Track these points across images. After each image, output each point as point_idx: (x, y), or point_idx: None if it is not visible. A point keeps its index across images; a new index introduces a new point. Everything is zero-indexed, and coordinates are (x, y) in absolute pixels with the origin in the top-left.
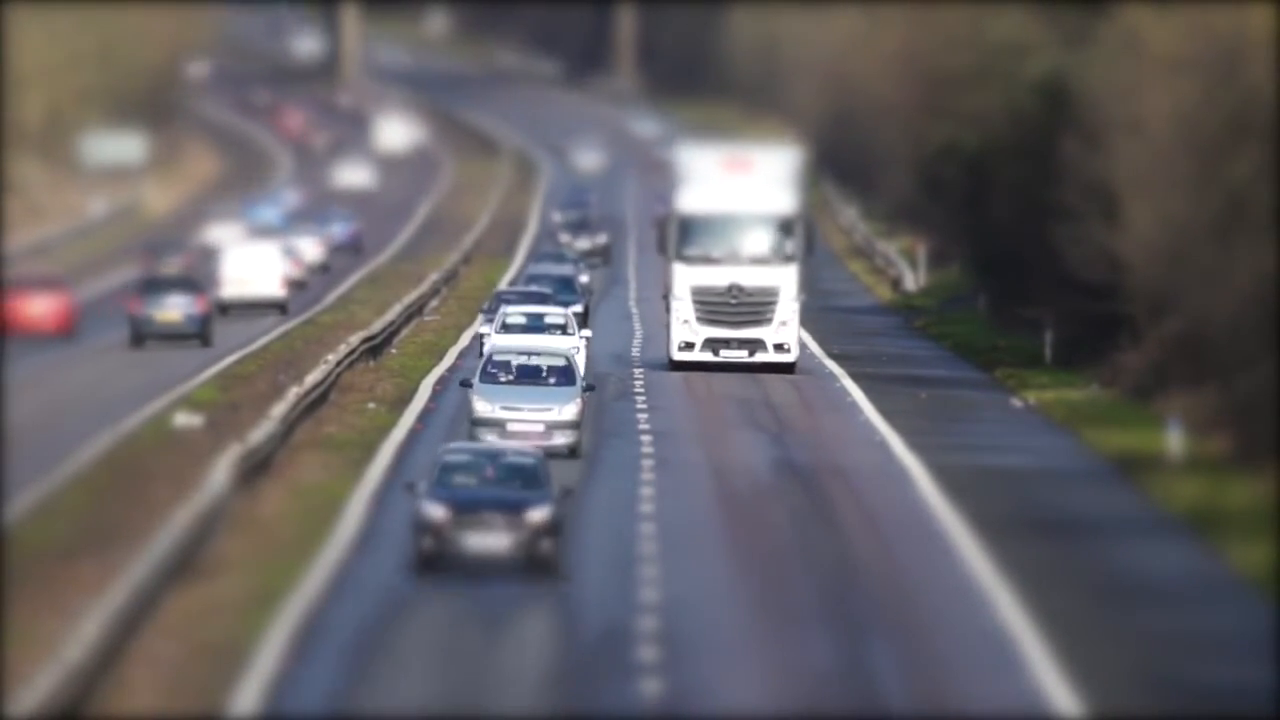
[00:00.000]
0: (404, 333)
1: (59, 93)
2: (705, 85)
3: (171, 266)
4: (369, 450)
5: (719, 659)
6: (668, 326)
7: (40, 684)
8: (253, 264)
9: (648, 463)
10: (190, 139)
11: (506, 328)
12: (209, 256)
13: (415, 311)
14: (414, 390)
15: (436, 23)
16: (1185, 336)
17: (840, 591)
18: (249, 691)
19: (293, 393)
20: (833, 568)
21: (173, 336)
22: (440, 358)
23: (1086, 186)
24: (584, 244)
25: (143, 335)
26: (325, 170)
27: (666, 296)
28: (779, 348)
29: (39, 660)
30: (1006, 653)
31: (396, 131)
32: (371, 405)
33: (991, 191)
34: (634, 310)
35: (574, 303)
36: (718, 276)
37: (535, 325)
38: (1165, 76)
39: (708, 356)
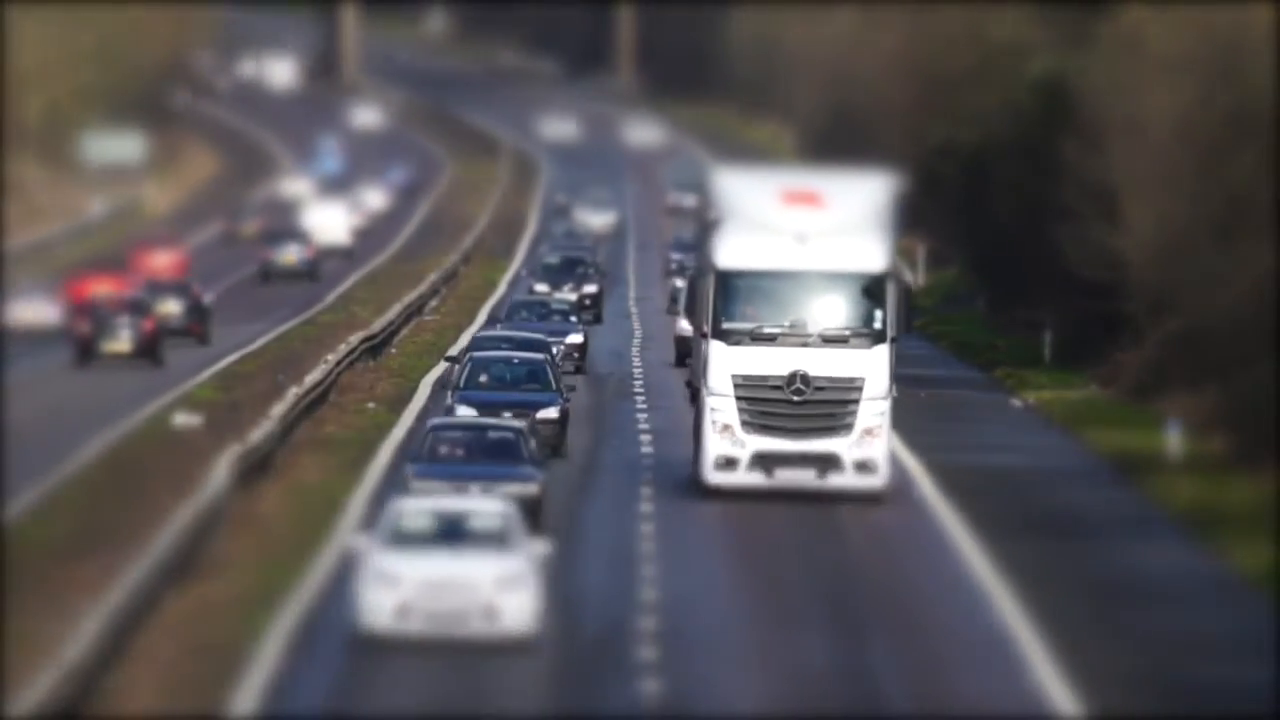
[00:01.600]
0: (403, 333)
1: (59, 93)
2: (705, 85)
3: (250, 227)
4: (368, 450)
5: (718, 659)
6: (697, 431)
7: (40, 684)
8: (325, 219)
9: (648, 462)
10: (190, 139)
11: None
12: (284, 211)
13: (415, 311)
14: (413, 390)
15: (436, 22)
16: (1185, 336)
17: (840, 591)
18: (248, 691)
19: (292, 392)
20: (832, 567)
21: (291, 275)
22: (440, 357)
23: (1086, 186)
24: (568, 294)
25: (270, 274)
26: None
27: (695, 386)
28: (861, 467)
29: (39, 660)
30: (1006, 653)
31: (369, 113)
32: (371, 405)
33: (991, 191)
34: (633, 310)
35: (549, 404)
36: (773, 362)
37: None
38: (1165, 76)
39: (757, 479)
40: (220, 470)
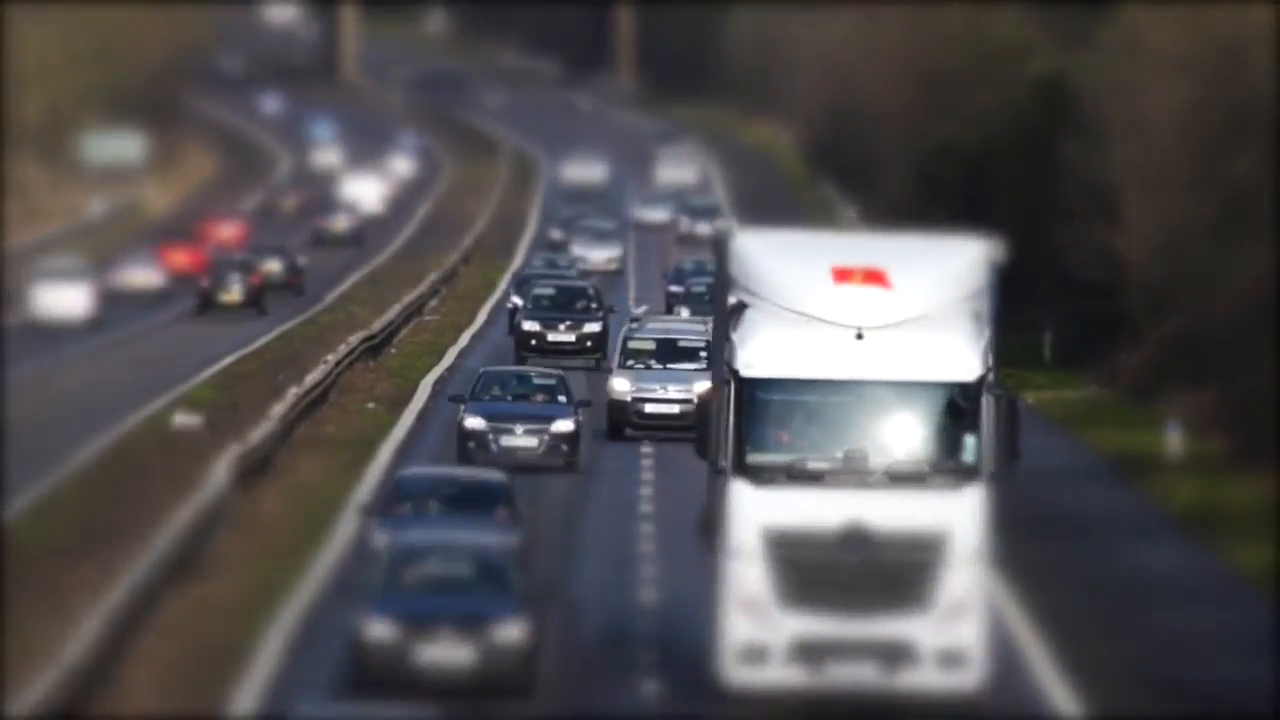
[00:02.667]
0: (403, 333)
1: (59, 93)
2: (705, 85)
3: (289, 201)
4: (368, 450)
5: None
6: (714, 607)
7: (39, 684)
8: (361, 189)
9: (647, 463)
10: (190, 139)
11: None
12: (319, 183)
13: (415, 311)
14: (413, 390)
15: (436, 22)
16: (1185, 336)
17: None
18: (248, 691)
19: (292, 392)
20: None
21: (340, 242)
22: (440, 357)
23: (1086, 186)
24: (561, 336)
25: (323, 240)
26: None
27: (706, 536)
28: (947, 659)
29: (38, 660)
30: (1006, 653)
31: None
32: (371, 405)
33: (991, 191)
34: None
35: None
36: (820, 509)
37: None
38: (1165, 76)
39: (798, 677)
40: (220, 470)
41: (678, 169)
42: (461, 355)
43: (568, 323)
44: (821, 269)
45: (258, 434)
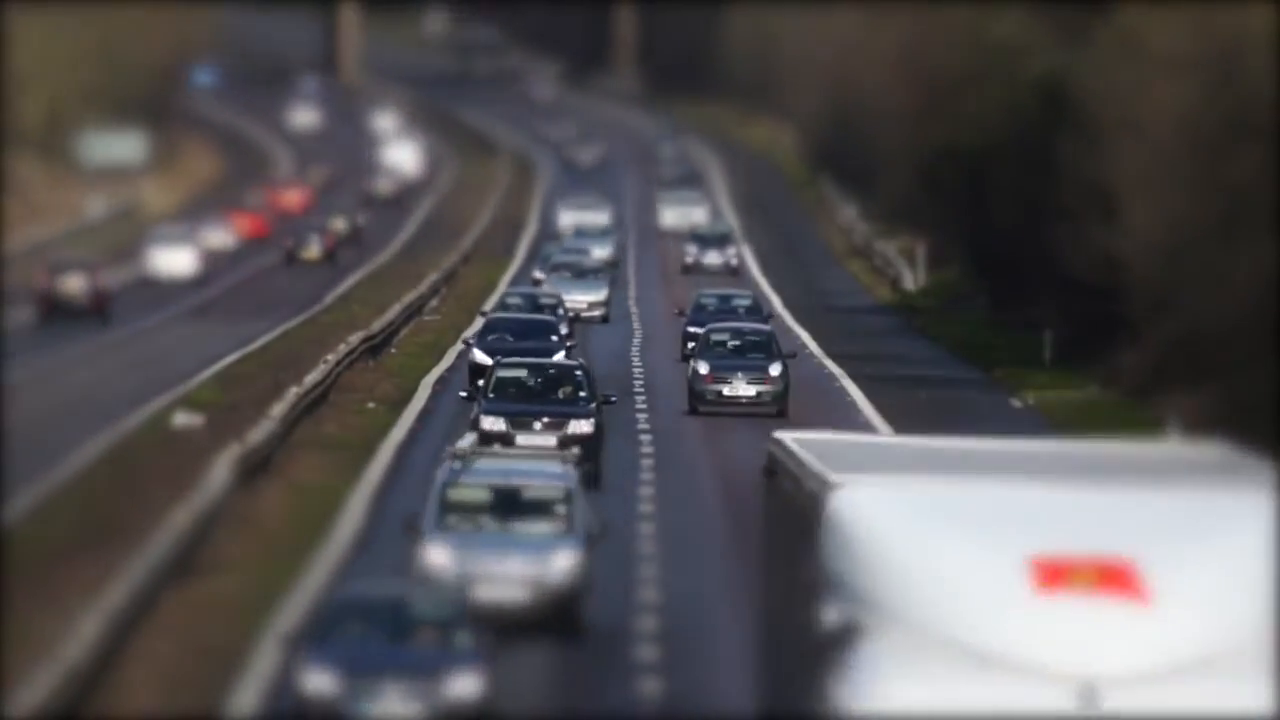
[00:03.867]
0: (403, 333)
1: (59, 93)
2: (705, 85)
3: (317, 176)
4: (368, 450)
5: (718, 659)
6: None
7: (39, 684)
8: (400, 156)
9: (647, 463)
10: (190, 139)
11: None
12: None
13: (415, 311)
14: (413, 390)
15: (436, 23)
16: (1185, 336)
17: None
18: (247, 691)
19: (292, 392)
20: None
21: (385, 204)
22: (440, 357)
23: (1086, 186)
24: (536, 439)
25: (370, 202)
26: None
27: None
28: None
29: (38, 660)
30: None
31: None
32: (371, 405)
33: (991, 192)
34: (634, 310)
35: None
36: None
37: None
38: (1165, 76)
39: None
40: (220, 470)
41: (684, 211)
42: (460, 355)
43: (545, 420)
44: (1011, 562)
45: (258, 434)
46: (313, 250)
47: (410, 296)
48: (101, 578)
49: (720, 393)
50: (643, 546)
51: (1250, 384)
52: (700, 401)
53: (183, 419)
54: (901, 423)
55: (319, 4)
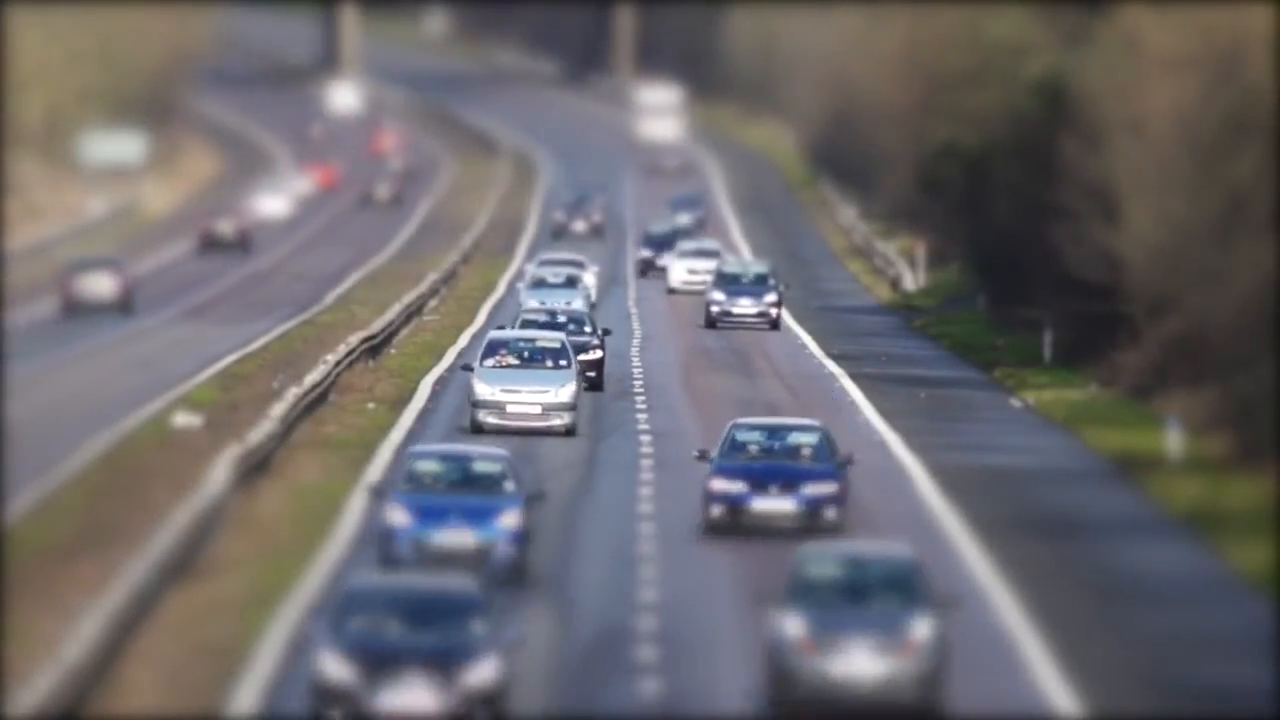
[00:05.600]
0: (403, 333)
1: (59, 93)
2: (705, 85)
3: (319, 130)
4: (368, 450)
5: (718, 659)
6: None
7: (39, 684)
8: (342, 100)
9: (647, 463)
10: (190, 138)
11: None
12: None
13: (414, 311)
14: (413, 390)
15: (436, 23)
16: (1185, 336)
17: None
18: (248, 691)
19: (292, 393)
20: None
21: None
22: (440, 357)
23: (1086, 186)
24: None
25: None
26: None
27: None
28: None
29: (38, 660)
30: (1006, 653)
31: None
32: (371, 405)
33: (991, 191)
34: (633, 310)
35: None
36: None
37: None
38: (1165, 76)
39: None
40: (220, 470)
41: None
42: (461, 355)
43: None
44: None
45: (257, 434)
46: (383, 192)
47: (410, 296)
48: (102, 578)
49: None
50: (643, 547)
51: (1250, 384)
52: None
53: (183, 419)
54: (901, 422)
55: (319, 4)
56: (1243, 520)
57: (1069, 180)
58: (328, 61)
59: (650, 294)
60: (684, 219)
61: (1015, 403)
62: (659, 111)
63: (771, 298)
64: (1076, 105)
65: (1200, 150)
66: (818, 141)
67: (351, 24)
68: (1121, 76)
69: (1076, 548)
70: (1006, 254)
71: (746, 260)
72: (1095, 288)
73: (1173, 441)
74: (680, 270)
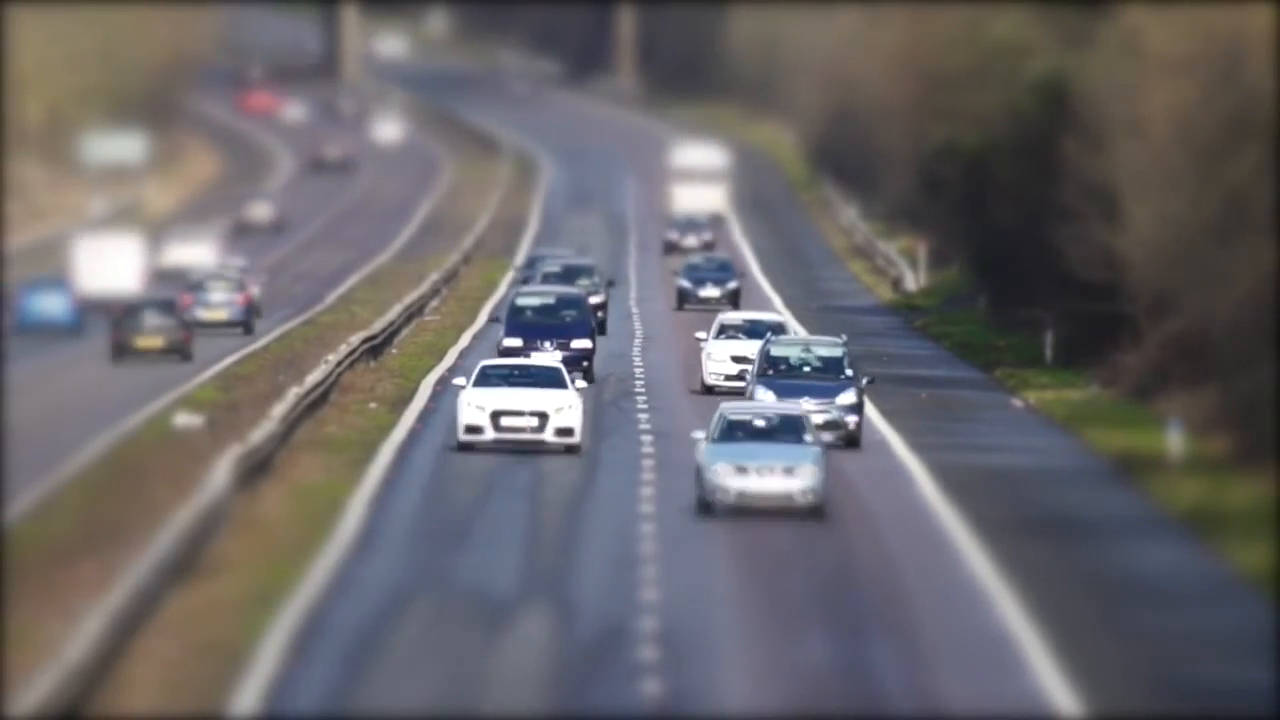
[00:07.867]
0: (404, 333)
1: (59, 93)
2: (705, 85)
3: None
4: (369, 450)
5: (718, 659)
6: None
7: (40, 684)
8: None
9: (648, 463)
10: (190, 138)
11: None
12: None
13: (415, 311)
14: (414, 390)
15: (436, 23)
16: (1185, 336)
17: (840, 591)
18: (249, 692)
19: (293, 393)
20: (832, 567)
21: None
22: (440, 357)
23: (1086, 186)
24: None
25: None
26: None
27: None
28: None
29: (39, 660)
30: (1006, 653)
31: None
32: (372, 405)
33: (991, 191)
34: (634, 310)
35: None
36: None
37: None
38: (1165, 76)
39: None
40: (221, 470)
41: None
42: (462, 355)
43: None
44: None
45: (258, 434)
46: (333, 151)
47: (411, 296)
48: (103, 578)
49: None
50: (643, 547)
51: (1251, 384)
52: None
53: (183, 419)
54: (902, 422)
55: (320, 4)
56: (1243, 520)
57: (1070, 180)
58: (328, 61)
59: (651, 294)
60: (691, 241)
61: (1016, 403)
62: (700, 177)
63: (849, 397)
64: (1077, 105)
65: (1200, 150)
66: (819, 141)
67: (352, 24)
68: (1122, 77)
69: (1077, 548)
70: (1007, 254)
71: (809, 338)
72: (1096, 288)
73: (1173, 441)
74: (722, 357)
